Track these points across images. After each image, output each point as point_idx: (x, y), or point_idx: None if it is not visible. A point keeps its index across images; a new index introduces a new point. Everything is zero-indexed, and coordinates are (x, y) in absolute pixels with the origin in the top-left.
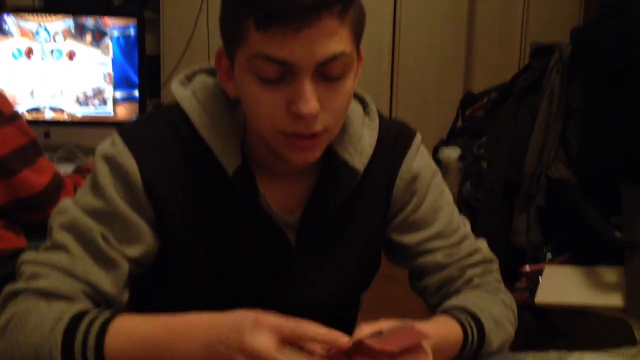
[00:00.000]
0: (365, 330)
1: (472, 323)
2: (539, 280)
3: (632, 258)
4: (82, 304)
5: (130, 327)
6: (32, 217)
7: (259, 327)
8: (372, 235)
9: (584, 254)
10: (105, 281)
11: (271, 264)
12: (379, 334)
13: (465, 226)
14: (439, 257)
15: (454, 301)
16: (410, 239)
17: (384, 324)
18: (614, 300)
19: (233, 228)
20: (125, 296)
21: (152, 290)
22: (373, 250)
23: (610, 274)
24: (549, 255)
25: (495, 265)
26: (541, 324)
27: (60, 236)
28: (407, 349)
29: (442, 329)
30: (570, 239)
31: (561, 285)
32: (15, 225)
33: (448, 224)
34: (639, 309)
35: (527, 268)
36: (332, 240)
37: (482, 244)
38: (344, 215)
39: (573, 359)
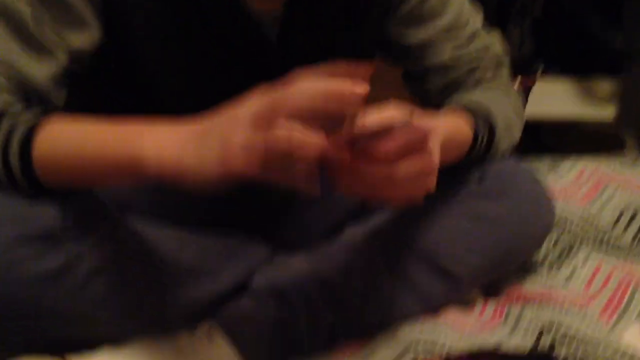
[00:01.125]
0: (369, 118)
1: (484, 124)
2: (528, 96)
3: (630, 67)
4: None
5: (71, 123)
6: None
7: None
8: (369, 33)
9: (576, 68)
10: (36, 70)
11: (250, 67)
12: (378, 132)
13: (475, 20)
14: (445, 57)
15: (468, 96)
16: (414, 35)
17: (388, 112)
18: (606, 112)
19: (206, 23)
20: (61, 95)
21: (102, 101)
22: (369, 49)
23: (602, 86)
24: (540, 70)
25: (507, 64)
26: (530, 142)
27: None
28: (410, 149)
29: (451, 126)
30: (563, 52)
31: (552, 98)
32: None
33: (457, 17)
34: (631, 120)
35: (518, 82)
36: (322, 40)
37: (494, 39)
38: (335, 10)
39: (568, 164)
